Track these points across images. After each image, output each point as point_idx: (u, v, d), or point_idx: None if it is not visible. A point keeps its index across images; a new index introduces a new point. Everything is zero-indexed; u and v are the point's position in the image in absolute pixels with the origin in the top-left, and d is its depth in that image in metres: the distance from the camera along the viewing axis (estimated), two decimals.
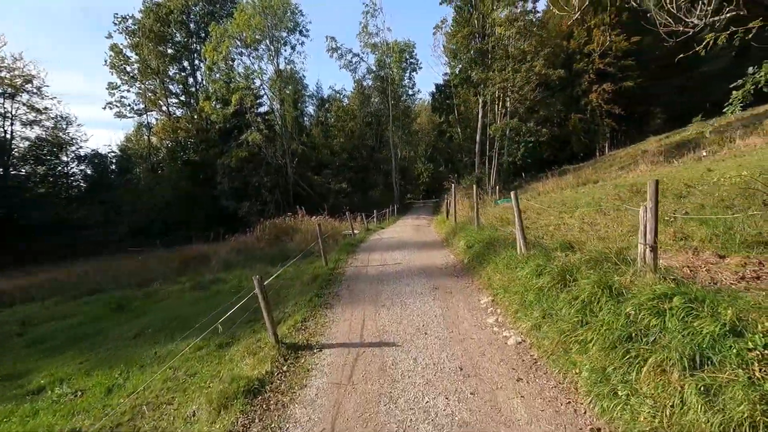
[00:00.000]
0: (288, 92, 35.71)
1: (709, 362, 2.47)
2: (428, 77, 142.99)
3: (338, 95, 45.47)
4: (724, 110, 3.49)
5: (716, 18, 4.50)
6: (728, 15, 4.43)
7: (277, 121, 35.30)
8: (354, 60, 39.65)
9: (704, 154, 17.57)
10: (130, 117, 42.89)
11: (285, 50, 34.90)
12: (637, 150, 26.49)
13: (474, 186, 11.05)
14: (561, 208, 10.44)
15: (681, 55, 4.42)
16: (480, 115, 29.80)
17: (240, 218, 29.82)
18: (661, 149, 22.87)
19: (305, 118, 44.21)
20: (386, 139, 40.63)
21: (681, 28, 4.72)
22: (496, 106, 28.71)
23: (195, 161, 37.79)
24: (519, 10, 24.77)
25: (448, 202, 16.79)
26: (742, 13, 4.44)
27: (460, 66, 30.59)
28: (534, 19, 26.39)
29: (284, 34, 34.18)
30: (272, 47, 33.73)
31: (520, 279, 5.22)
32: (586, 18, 34.86)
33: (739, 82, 3.14)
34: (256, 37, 32.46)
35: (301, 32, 34.97)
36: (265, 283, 5.93)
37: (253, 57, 34.09)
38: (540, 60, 24.90)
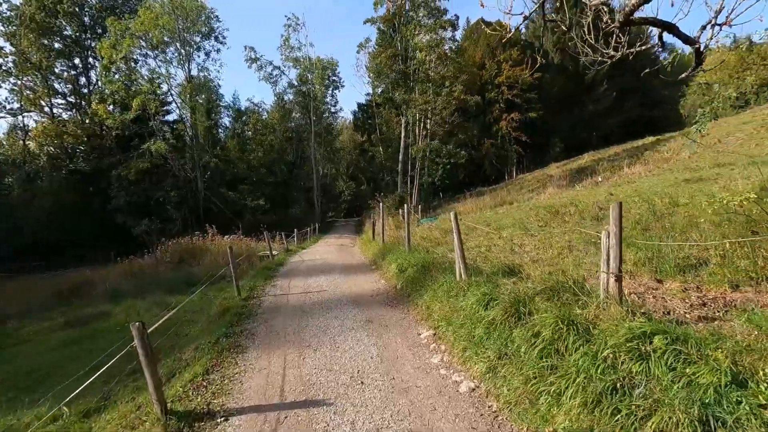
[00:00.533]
0: (201, 101, 32.97)
1: (722, 424, 2.03)
2: (350, 96, 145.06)
3: (257, 108, 43.17)
4: (694, 126, 3.39)
5: (630, 50, 4.65)
6: (642, 48, 4.58)
7: (188, 131, 32.31)
8: (275, 73, 38.23)
9: (600, 179, 19.56)
10: (1, 117, 35.92)
11: (198, 56, 32.46)
12: (543, 174, 28.84)
13: (405, 204, 10.63)
14: (488, 229, 10.43)
15: (648, 73, 4.33)
16: (402, 136, 30.29)
17: (136, 237, 26.22)
18: (564, 174, 25.08)
19: (220, 130, 41.04)
20: (308, 155, 39.43)
21: (599, 58, 4.89)
22: (417, 127, 29.41)
23: (84, 171, 32.68)
24: (439, 37, 25.84)
25: (374, 221, 16.24)
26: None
27: (383, 86, 30.97)
28: (453, 47, 27.75)
29: (197, 39, 31.86)
30: (183, 51, 31.08)
31: (465, 310, 4.69)
32: (496, 52, 37.97)
33: (707, 98, 3.03)
34: (165, 38, 29.67)
35: (216, 38, 32.92)
36: (159, 323, 4.67)
37: (160, 60, 31.12)
38: (459, 85, 26.16)
